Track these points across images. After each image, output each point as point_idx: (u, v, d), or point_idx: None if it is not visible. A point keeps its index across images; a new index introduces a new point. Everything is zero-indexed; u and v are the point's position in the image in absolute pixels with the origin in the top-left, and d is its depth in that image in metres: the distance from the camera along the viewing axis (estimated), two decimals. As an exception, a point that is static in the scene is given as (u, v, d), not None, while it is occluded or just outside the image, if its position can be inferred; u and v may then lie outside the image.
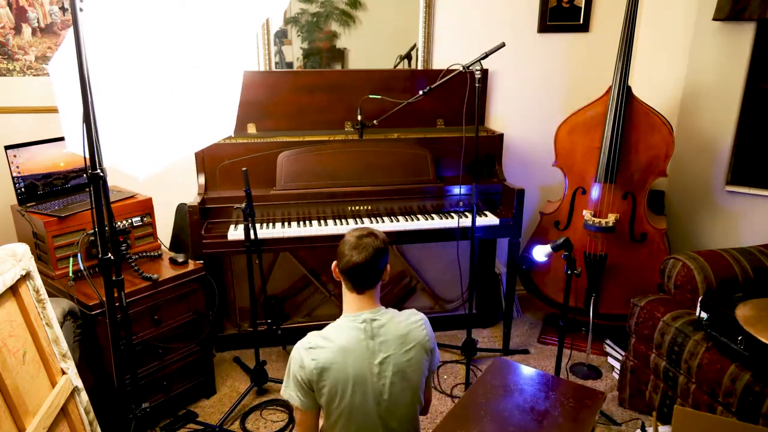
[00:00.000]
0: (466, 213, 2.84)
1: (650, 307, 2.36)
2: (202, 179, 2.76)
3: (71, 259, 2.21)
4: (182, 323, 2.39)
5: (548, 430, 1.69)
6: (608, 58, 2.94)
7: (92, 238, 2.26)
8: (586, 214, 2.80)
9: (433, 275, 3.22)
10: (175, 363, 2.39)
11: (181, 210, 2.93)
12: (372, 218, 2.78)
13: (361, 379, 1.54)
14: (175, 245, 2.94)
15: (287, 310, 3.09)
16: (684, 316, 2.23)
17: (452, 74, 2.37)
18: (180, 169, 2.88)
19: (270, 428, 2.39)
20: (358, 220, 2.76)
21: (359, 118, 2.68)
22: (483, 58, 2.29)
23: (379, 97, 2.62)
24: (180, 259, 2.44)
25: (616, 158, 2.69)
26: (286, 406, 2.52)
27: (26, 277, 1.66)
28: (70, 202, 2.39)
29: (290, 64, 3.08)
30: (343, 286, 1.66)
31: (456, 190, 2.87)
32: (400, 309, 3.39)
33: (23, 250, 1.65)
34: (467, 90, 2.42)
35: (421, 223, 2.74)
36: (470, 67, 2.29)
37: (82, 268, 2.18)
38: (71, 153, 2.04)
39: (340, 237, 2.65)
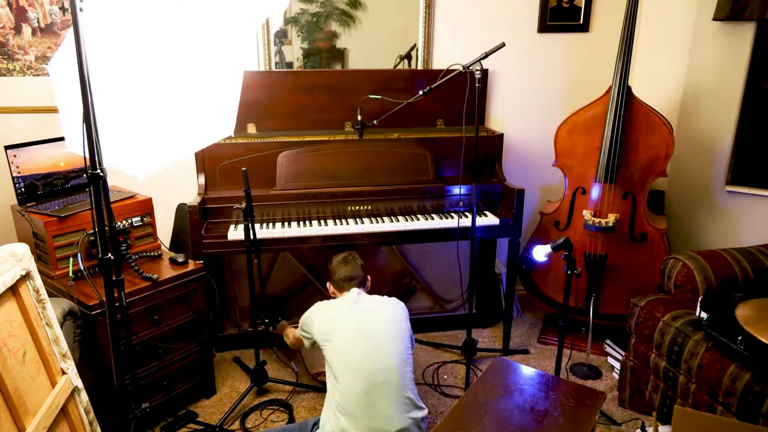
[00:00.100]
0: (466, 213, 2.84)
1: (650, 307, 2.36)
2: (202, 179, 2.76)
3: (71, 259, 2.21)
4: (182, 323, 2.39)
5: (548, 430, 1.69)
6: (608, 58, 2.94)
7: (92, 238, 2.26)
8: (586, 214, 2.80)
9: (433, 275, 3.22)
10: (175, 363, 2.39)
11: (181, 210, 2.93)
12: (372, 218, 2.78)
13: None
14: (175, 245, 2.94)
15: (287, 310, 3.09)
16: (684, 316, 2.23)
17: (452, 74, 2.37)
18: (180, 169, 2.89)
19: (270, 428, 2.39)
20: (358, 220, 2.76)
21: (359, 118, 2.68)
22: (483, 58, 2.29)
23: (379, 97, 2.62)
24: (180, 259, 2.44)
25: (616, 158, 2.69)
26: (286, 406, 2.52)
27: (26, 277, 1.66)
28: (70, 202, 2.39)
29: (290, 64, 3.08)
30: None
31: (456, 190, 2.87)
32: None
33: (23, 250, 1.65)
34: (467, 90, 2.42)
35: (421, 223, 2.74)
36: (470, 67, 2.29)
37: (82, 268, 2.18)
38: (71, 153, 2.04)
39: (340, 237, 2.68)
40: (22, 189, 2.35)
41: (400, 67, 3.15)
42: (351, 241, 2.70)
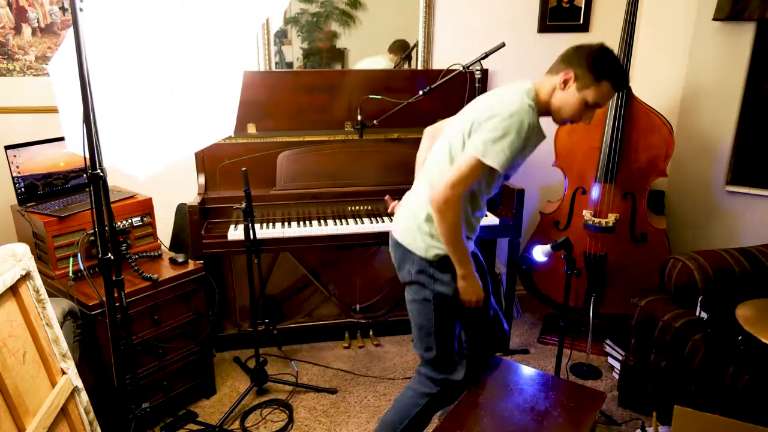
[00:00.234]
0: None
1: (650, 307, 2.36)
2: (202, 179, 2.76)
3: (71, 259, 2.21)
4: (182, 323, 2.39)
5: (548, 430, 1.69)
6: (608, 58, 2.93)
7: (92, 238, 2.26)
8: (586, 214, 2.80)
9: (433, 275, 3.21)
10: (175, 363, 2.39)
11: (181, 210, 2.93)
12: (372, 218, 2.78)
13: None
14: (175, 245, 2.94)
15: (287, 310, 3.09)
16: (684, 316, 2.23)
17: (452, 74, 2.37)
18: (180, 169, 2.88)
19: (270, 428, 2.39)
20: (358, 220, 2.76)
21: (359, 118, 2.68)
22: (483, 58, 2.29)
23: (379, 97, 2.62)
24: (180, 259, 2.44)
25: (616, 158, 2.69)
26: (286, 406, 2.52)
27: (26, 277, 1.66)
28: (70, 202, 2.39)
29: (290, 64, 3.08)
30: None
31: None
32: (399, 310, 3.40)
33: (23, 250, 1.65)
34: (467, 90, 2.43)
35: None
36: (470, 67, 2.30)
37: (82, 268, 2.18)
38: (71, 153, 2.04)
39: (340, 237, 2.68)
40: (22, 189, 2.35)
41: (400, 67, 3.14)
42: (351, 241, 2.70)
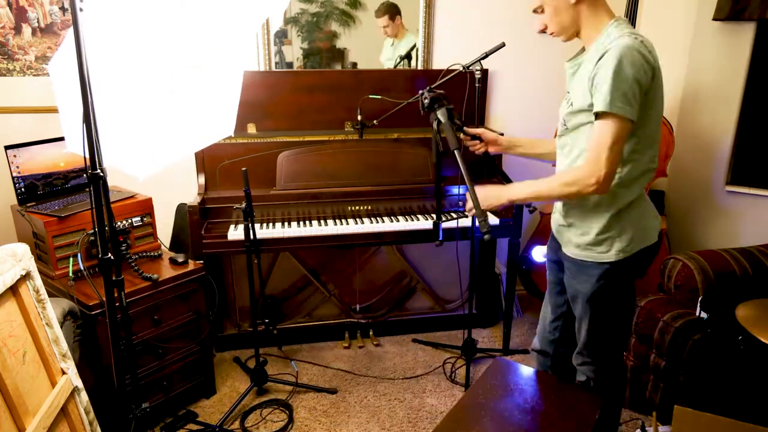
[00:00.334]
0: (466, 213, 2.83)
1: (650, 307, 2.36)
2: (202, 179, 2.76)
3: (71, 259, 2.21)
4: (182, 323, 2.39)
5: (548, 431, 1.69)
6: (608, 58, 2.94)
7: (92, 238, 2.26)
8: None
9: (433, 275, 3.21)
10: (175, 363, 2.39)
11: (181, 210, 2.93)
12: (372, 218, 2.78)
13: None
14: (175, 245, 2.94)
15: (287, 310, 3.09)
16: (684, 316, 2.23)
17: (452, 74, 2.37)
18: (180, 169, 2.88)
19: (270, 428, 2.39)
20: (358, 220, 2.76)
21: (359, 118, 2.67)
22: (483, 58, 2.29)
23: (379, 97, 2.62)
24: (180, 259, 2.44)
25: (616, 158, 2.69)
26: (286, 406, 2.52)
27: (26, 277, 1.66)
28: (70, 202, 2.39)
29: (290, 64, 3.08)
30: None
31: (456, 190, 2.87)
32: (399, 310, 3.40)
33: (23, 250, 1.65)
34: (467, 90, 2.42)
35: (421, 223, 2.74)
36: (470, 67, 2.29)
37: (82, 268, 2.18)
38: (71, 153, 2.04)
39: (340, 237, 2.68)
40: (22, 189, 2.35)
41: (400, 67, 3.14)
42: (351, 241, 2.70)
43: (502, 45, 2.32)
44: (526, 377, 1.96)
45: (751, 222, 2.90)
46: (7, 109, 2.68)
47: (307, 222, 2.74)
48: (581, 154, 1.62)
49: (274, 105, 2.93)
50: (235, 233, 2.61)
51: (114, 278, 1.67)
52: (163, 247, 2.62)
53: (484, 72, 3.09)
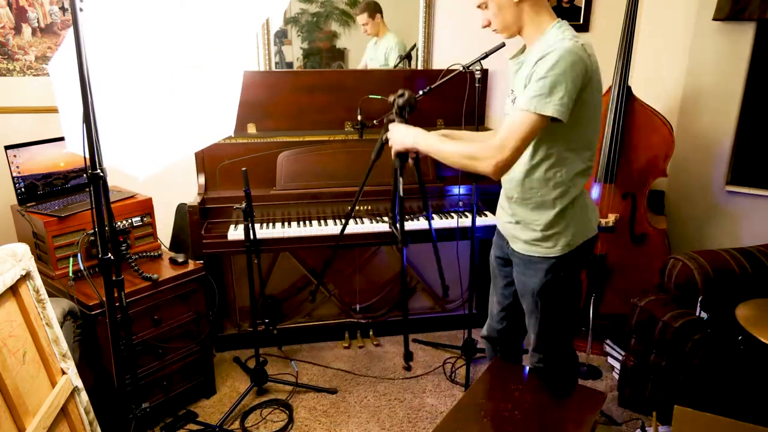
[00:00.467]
0: (466, 213, 2.84)
1: (650, 307, 2.36)
2: (202, 179, 2.76)
3: (71, 259, 2.21)
4: (182, 323, 2.39)
5: (548, 430, 1.69)
6: (608, 58, 2.93)
7: (92, 238, 2.26)
8: (586, 214, 2.80)
9: (433, 275, 3.21)
10: (175, 363, 2.39)
11: (181, 210, 2.93)
12: (372, 218, 2.78)
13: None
14: (175, 245, 2.94)
15: (287, 310, 3.09)
16: (684, 316, 2.23)
17: (452, 74, 2.37)
18: (180, 169, 2.88)
19: (270, 428, 2.39)
20: (358, 220, 2.76)
21: (359, 118, 2.68)
22: (483, 58, 2.29)
23: (379, 97, 2.61)
24: (180, 259, 2.44)
25: (616, 158, 2.69)
26: (286, 406, 2.52)
27: (26, 277, 1.66)
28: (70, 202, 2.39)
29: (290, 64, 3.08)
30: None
31: (456, 190, 2.87)
32: (400, 310, 3.38)
33: (23, 250, 1.65)
34: (467, 90, 2.42)
35: (421, 223, 2.74)
36: (470, 67, 2.29)
37: (82, 268, 2.18)
38: (71, 153, 2.04)
39: (340, 237, 2.67)
40: (22, 189, 2.35)
41: (400, 67, 3.14)
42: (351, 241, 2.70)
43: (502, 45, 2.32)
44: (526, 377, 1.96)
45: (751, 222, 2.90)
46: (7, 109, 2.68)
47: (307, 222, 2.74)
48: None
49: (274, 105, 2.93)
50: (235, 233, 2.61)
51: (114, 278, 1.67)
52: (163, 247, 2.62)
53: (484, 72, 3.09)
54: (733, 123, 2.90)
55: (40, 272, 1.79)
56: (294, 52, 3.07)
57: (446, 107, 3.07)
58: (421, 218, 2.78)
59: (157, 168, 1.98)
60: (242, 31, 2.15)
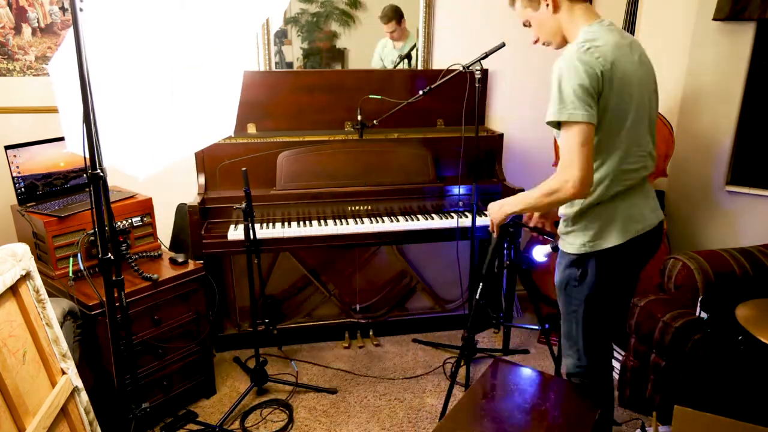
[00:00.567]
0: (466, 213, 2.84)
1: (650, 307, 2.36)
2: (202, 179, 2.76)
3: (71, 259, 2.21)
4: (182, 323, 2.39)
5: (548, 430, 1.69)
6: (608, 58, 2.94)
7: (92, 238, 2.26)
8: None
9: (433, 275, 3.22)
10: (175, 363, 2.39)
11: (181, 210, 2.93)
12: (372, 218, 2.78)
13: (636, 79, 1.61)
14: (175, 245, 2.94)
15: (287, 310, 3.09)
16: (684, 316, 2.23)
17: (452, 74, 2.37)
18: (180, 169, 2.88)
19: (270, 428, 2.39)
20: (358, 220, 2.76)
21: (359, 118, 2.68)
22: (483, 58, 2.29)
23: (379, 97, 2.62)
24: (180, 259, 2.44)
25: (616, 158, 2.69)
26: (286, 406, 2.52)
27: (26, 277, 1.66)
28: (70, 202, 2.39)
29: (290, 64, 3.08)
30: (561, 4, 1.67)
31: (456, 190, 2.87)
32: (399, 310, 3.40)
33: (23, 250, 1.65)
34: (467, 90, 2.43)
35: (421, 223, 2.74)
36: (470, 67, 2.30)
37: (82, 268, 2.18)
38: (71, 153, 2.04)
39: (340, 237, 2.68)
40: (22, 189, 2.35)
41: (400, 67, 3.14)
42: (351, 241, 2.70)
43: (502, 45, 2.32)
44: (526, 377, 1.96)
45: (751, 222, 2.90)
46: (7, 109, 2.68)
47: (307, 222, 2.74)
48: None
49: (274, 105, 2.93)
50: (235, 233, 2.61)
51: (114, 278, 1.67)
52: (163, 247, 2.62)
53: (484, 72, 3.10)
54: (733, 123, 2.90)
55: (40, 272, 1.79)
56: (294, 52, 3.07)
57: (446, 107, 3.08)
58: (420, 218, 2.78)
59: (157, 168, 1.98)
60: (242, 31, 2.14)
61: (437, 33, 3.10)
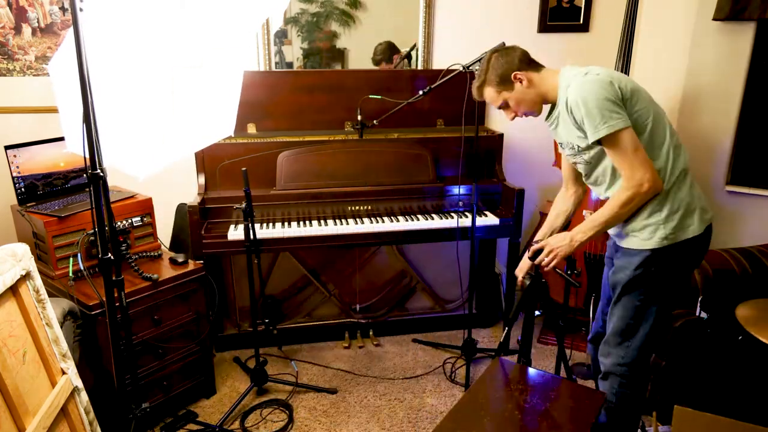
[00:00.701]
0: (466, 213, 2.84)
1: (650, 307, 2.35)
2: (202, 179, 2.76)
3: (71, 259, 2.21)
4: (182, 323, 2.39)
5: (548, 430, 1.69)
6: (608, 58, 2.94)
7: (92, 238, 2.26)
8: (586, 214, 2.80)
9: (433, 275, 3.21)
10: (175, 363, 2.39)
11: (181, 210, 2.93)
12: (372, 218, 2.78)
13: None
14: (175, 245, 2.94)
15: (287, 310, 3.09)
16: (684, 316, 2.23)
17: (452, 74, 2.37)
18: (180, 169, 2.88)
19: (270, 428, 2.39)
20: (358, 220, 2.76)
21: (359, 118, 2.67)
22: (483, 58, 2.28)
23: (379, 97, 2.62)
24: (180, 259, 2.44)
25: (616, 158, 2.69)
26: (286, 406, 2.52)
27: (26, 277, 1.66)
28: (70, 202, 2.39)
29: (290, 64, 3.08)
30: (533, 76, 1.83)
31: (456, 190, 2.87)
32: (399, 310, 3.40)
33: (23, 250, 1.65)
34: (467, 90, 2.42)
35: (421, 223, 2.74)
36: (470, 67, 2.29)
37: (82, 268, 2.18)
38: (71, 153, 2.04)
39: (340, 237, 2.68)
40: (22, 189, 2.35)
41: (400, 67, 3.14)
42: (351, 241, 2.70)
43: (502, 45, 2.32)
44: (526, 377, 1.96)
45: (751, 222, 2.90)
46: (7, 109, 2.68)
47: (307, 222, 2.74)
48: (614, 172, 1.76)
49: (274, 105, 2.93)
50: (235, 233, 2.61)
51: (114, 278, 1.67)
52: (163, 247, 2.62)
53: (484, 72, 3.09)
54: (733, 123, 2.90)
55: (40, 272, 1.79)
56: (294, 52, 3.07)
57: (446, 107, 3.08)
58: (420, 218, 2.78)
59: (157, 168, 1.98)
60: (242, 31, 2.14)
61: (437, 33, 3.10)
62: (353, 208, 2.81)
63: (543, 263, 1.86)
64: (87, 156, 1.54)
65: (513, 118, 1.91)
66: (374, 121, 2.67)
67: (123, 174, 1.95)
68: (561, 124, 1.80)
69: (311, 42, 3.07)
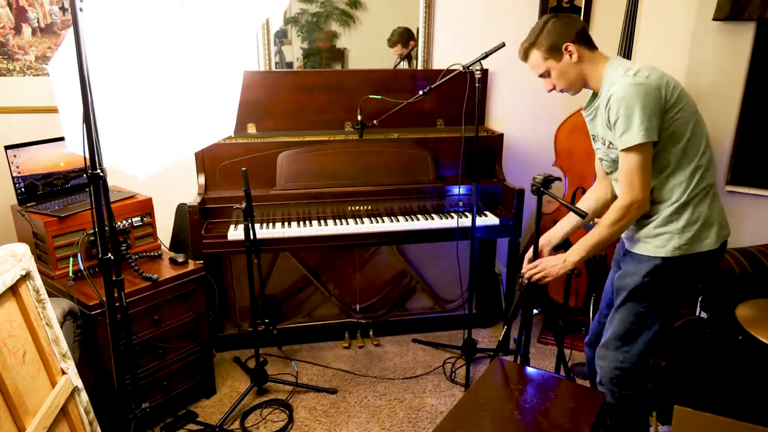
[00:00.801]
0: (466, 213, 2.84)
1: (650, 307, 2.35)
2: (202, 179, 2.76)
3: (71, 259, 2.21)
4: (182, 323, 2.39)
5: (548, 430, 1.69)
6: (608, 58, 2.94)
7: (92, 238, 2.26)
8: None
9: (433, 275, 3.22)
10: (175, 363, 2.39)
11: (181, 210, 2.93)
12: (372, 218, 2.78)
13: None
14: (175, 245, 2.94)
15: (287, 310, 3.09)
16: (684, 316, 2.23)
17: (452, 74, 2.37)
18: (180, 169, 2.88)
19: (270, 428, 2.39)
20: (358, 220, 2.76)
21: (359, 118, 2.68)
22: (483, 58, 2.29)
23: (379, 97, 2.62)
24: (180, 259, 2.44)
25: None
26: (286, 406, 2.52)
27: (26, 277, 1.66)
28: (70, 202, 2.39)
29: (290, 64, 3.08)
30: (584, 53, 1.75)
31: (456, 190, 2.87)
32: (399, 310, 3.40)
33: (23, 250, 1.65)
34: (467, 90, 2.42)
35: (421, 223, 2.74)
36: (470, 67, 2.29)
37: (82, 268, 2.18)
38: (71, 153, 2.04)
39: (340, 237, 2.68)
40: (22, 189, 2.35)
41: (400, 67, 3.15)
42: (351, 241, 2.70)
43: (502, 45, 2.32)
44: (526, 377, 1.96)
45: (751, 222, 2.90)
46: (7, 109, 2.68)
47: (307, 222, 2.74)
48: None
49: (274, 105, 2.93)
50: (235, 233, 2.61)
51: (114, 278, 1.67)
52: (163, 247, 2.62)
53: (484, 72, 3.10)
54: (733, 123, 2.90)
55: (40, 272, 1.79)
56: (294, 52, 3.07)
57: (446, 107, 3.08)
58: (420, 218, 2.78)
59: (157, 168, 1.98)
60: (242, 31, 2.14)
61: (437, 33, 3.10)
62: (353, 208, 2.81)
63: (533, 279, 1.87)
64: (87, 156, 1.54)
65: (550, 90, 1.86)
66: (374, 121, 2.67)
67: (123, 174, 1.95)
68: (599, 117, 1.77)
69: (311, 42, 3.07)
